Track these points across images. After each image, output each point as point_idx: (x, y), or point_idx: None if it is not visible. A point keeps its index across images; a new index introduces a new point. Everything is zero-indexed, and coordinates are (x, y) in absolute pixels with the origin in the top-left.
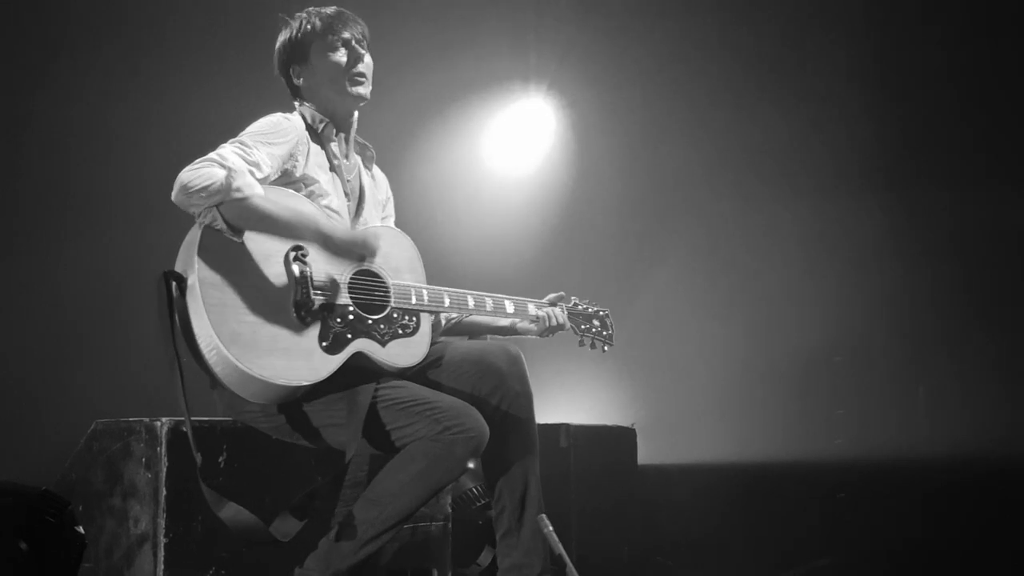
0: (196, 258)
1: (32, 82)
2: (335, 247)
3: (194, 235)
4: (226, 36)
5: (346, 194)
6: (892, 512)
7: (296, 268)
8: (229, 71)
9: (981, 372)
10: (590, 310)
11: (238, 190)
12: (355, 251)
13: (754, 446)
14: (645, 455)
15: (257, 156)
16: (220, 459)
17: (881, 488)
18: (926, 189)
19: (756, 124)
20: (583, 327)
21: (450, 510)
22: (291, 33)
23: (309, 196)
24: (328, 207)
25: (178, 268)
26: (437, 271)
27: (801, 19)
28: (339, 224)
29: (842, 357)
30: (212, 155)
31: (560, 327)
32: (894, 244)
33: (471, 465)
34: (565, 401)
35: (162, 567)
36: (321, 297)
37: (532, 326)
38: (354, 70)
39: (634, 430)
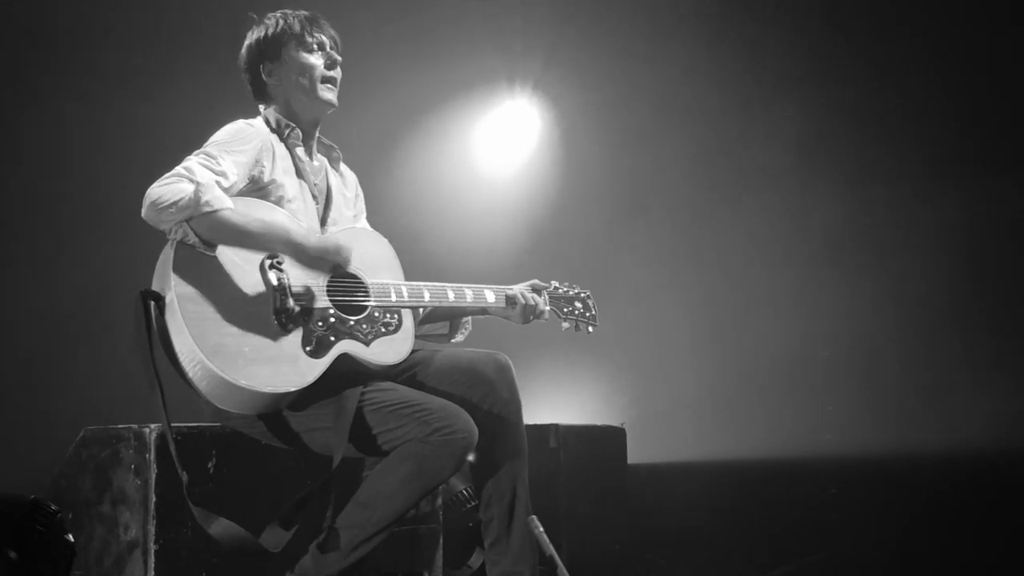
0: (172, 275)
1: (28, 91)
2: (307, 258)
3: (168, 253)
4: (202, 52)
5: (313, 197)
6: (883, 508)
7: (273, 276)
8: (211, 85)
9: (972, 367)
10: (571, 292)
11: (207, 203)
12: (327, 259)
13: (744, 443)
14: (635, 454)
15: (223, 165)
16: (209, 465)
17: (872, 484)
18: (914, 183)
19: (740, 121)
20: (565, 310)
21: (441, 512)
22: (265, 31)
23: (277, 202)
24: (296, 211)
25: (155, 287)
26: (423, 270)
27: (784, 16)
28: (310, 233)
29: (830, 353)
30: (179, 169)
31: (540, 315)
32: (881, 238)
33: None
34: (554, 401)
35: (153, 574)
36: (300, 302)
37: (513, 311)
38: (328, 73)
39: (623, 429)
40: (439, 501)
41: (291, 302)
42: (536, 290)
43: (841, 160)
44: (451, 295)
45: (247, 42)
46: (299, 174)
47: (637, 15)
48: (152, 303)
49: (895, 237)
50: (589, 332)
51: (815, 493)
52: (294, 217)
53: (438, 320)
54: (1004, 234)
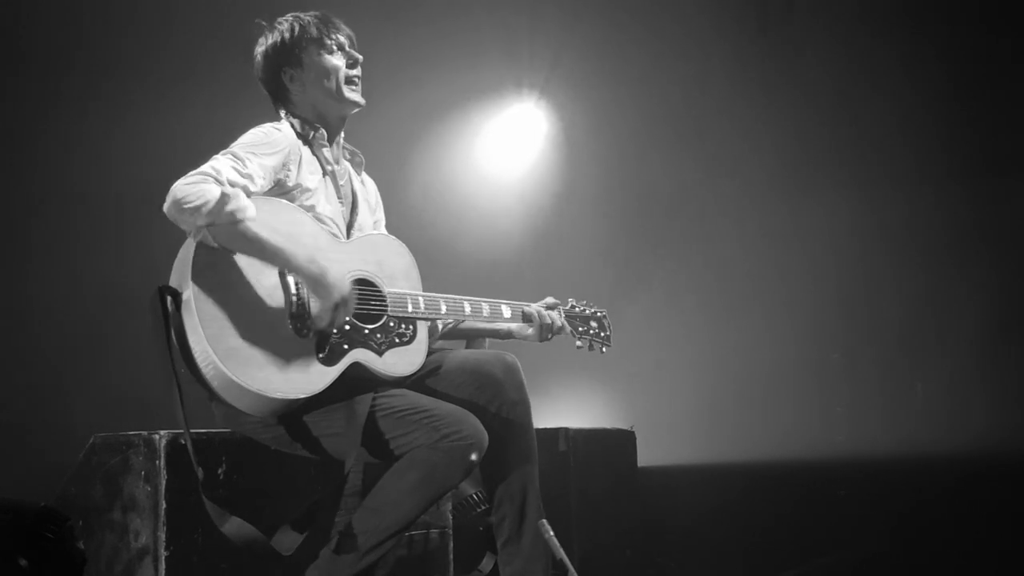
0: (190, 273)
1: (35, 95)
2: (316, 287)
3: (188, 249)
4: (217, 48)
5: (340, 199)
6: (892, 509)
7: (292, 280)
8: (225, 82)
9: (980, 368)
10: (587, 312)
11: (231, 213)
12: (329, 301)
13: (754, 445)
14: (645, 457)
15: (251, 168)
16: (220, 471)
17: (881, 485)
18: (919, 185)
19: (746, 125)
20: (581, 329)
21: (450, 517)
22: (282, 36)
23: (303, 205)
24: (322, 214)
25: (173, 283)
26: (432, 275)
27: (790, 22)
28: (327, 265)
29: (840, 355)
30: (207, 169)
31: (559, 330)
32: (889, 240)
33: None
34: (563, 405)
35: None
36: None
37: (530, 331)
38: (351, 73)
39: (633, 432)
40: (449, 505)
41: (308, 306)
42: (550, 307)
43: (846, 165)
44: (467, 308)
45: (261, 49)
46: (326, 176)
47: (643, 21)
48: (169, 298)
49: (901, 239)
50: (603, 352)
51: (825, 495)
52: (321, 221)
53: (454, 339)
54: (1011, 234)
